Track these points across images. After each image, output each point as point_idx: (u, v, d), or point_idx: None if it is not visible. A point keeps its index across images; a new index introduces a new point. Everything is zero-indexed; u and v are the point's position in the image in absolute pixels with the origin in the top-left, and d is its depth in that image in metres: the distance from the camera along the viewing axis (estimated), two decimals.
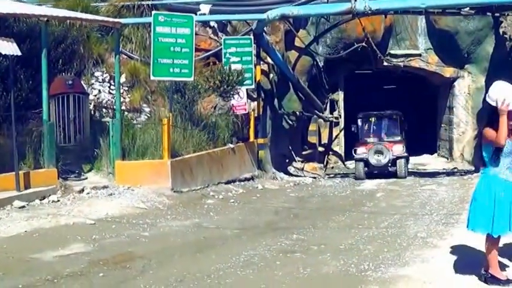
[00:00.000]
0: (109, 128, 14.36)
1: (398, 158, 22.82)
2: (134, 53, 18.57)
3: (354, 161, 24.27)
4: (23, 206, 11.67)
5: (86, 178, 14.07)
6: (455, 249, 8.96)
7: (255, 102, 19.94)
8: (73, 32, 16.57)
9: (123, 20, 16.27)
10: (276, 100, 22.41)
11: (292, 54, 23.77)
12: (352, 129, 25.75)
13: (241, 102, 18.50)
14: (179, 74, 15.00)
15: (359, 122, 25.26)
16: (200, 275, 7.74)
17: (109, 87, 17.11)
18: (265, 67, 20.92)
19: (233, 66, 17.73)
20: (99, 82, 17.44)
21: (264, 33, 20.04)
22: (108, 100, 16.82)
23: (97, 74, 17.55)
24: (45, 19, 13.35)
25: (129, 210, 12.18)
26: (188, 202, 13.64)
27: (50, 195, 12.55)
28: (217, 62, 18.88)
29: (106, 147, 14.43)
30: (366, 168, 22.90)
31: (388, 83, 33.31)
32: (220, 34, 20.04)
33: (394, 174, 22.40)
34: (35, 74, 13.80)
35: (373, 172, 22.98)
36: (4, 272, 7.95)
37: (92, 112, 16.34)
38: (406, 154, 23.27)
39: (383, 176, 22.29)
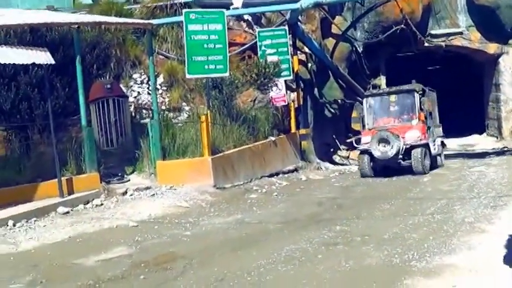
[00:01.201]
0: (148, 129, 14.41)
1: (413, 147, 17.29)
2: (170, 52, 18.61)
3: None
4: (67, 212, 11.82)
5: (129, 180, 14.15)
6: (504, 234, 8.65)
7: (295, 93, 19.82)
8: (107, 37, 16.65)
9: (154, 21, 16.31)
10: (316, 89, 22.23)
11: (330, 42, 23.51)
12: (359, 112, 19.81)
13: (280, 94, 18.42)
14: (214, 70, 15.03)
15: (365, 102, 19.12)
16: (240, 273, 7.66)
17: (148, 88, 17.17)
18: (302, 57, 20.76)
19: (269, 58, 17.69)
20: (138, 84, 17.54)
21: (298, 23, 19.89)
22: (148, 101, 16.89)
23: (135, 76, 17.66)
24: (77, 26, 13.45)
25: (171, 210, 12.23)
26: (231, 198, 13.63)
27: (93, 199, 12.68)
28: (253, 55, 18.79)
29: (147, 148, 14.51)
30: (372, 163, 17.58)
31: (431, 64, 32.79)
32: (255, 27, 19.93)
33: (409, 170, 17.19)
34: (71, 81, 13.92)
35: (382, 167, 17.75)
36: (47, 279, 8.00)
37: (133, 114, 16.45)
38: (424, 142, 17.65)
39: (395, 173, 17.30)
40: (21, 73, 13.82)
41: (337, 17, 23.88)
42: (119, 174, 14.18)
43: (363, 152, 17.76)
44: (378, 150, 17.22)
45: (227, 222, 11.19)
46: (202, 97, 17.24)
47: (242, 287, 7.13)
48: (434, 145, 18.74)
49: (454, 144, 26.77)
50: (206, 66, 14.90)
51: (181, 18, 15.14)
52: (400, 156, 17.33)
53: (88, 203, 12.50)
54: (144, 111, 16.91)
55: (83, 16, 14.30)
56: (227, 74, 15.56)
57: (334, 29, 23.56)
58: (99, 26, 15.91)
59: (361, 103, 19.54)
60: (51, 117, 12.32)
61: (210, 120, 14.59)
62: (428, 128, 18.53)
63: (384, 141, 17.26)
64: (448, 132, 22.91)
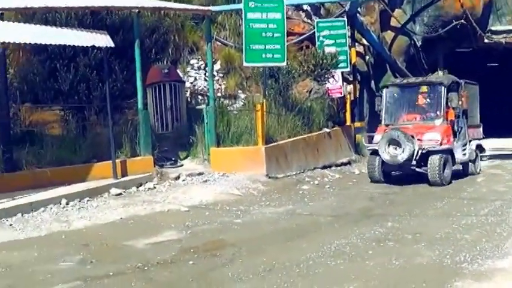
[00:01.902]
0: (203, 115, 14.47)
1: (431, 152, 14.57)
2: (228, 39, 18.61)
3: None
4: (120, 194, 11.98)
5: (182, 165, 14.24)
6: None
7: (351, 85, 19.65)
8: (166, 22, 16.76)
9: (213, 8, 16.30)
10: (373, 82, 22.00)
11: (388, 35, 23.27)
12: (377, 105, 17.08)
13: (336, 85, 18.27)
14: (272, 59, 14.95)
15: (384, 94, 16.45)
16: (289, 264, 7.64)
17: (205, 74, 17.23)
18: (360, 49, 20.60)
19: (327, 49, 17.57)
20: (195, 70, 17.61)
21: (358, 14, 19.70)
22: (204, 87, 16.96)
23: (192, 61, 17.73)
24: (137, 10, 13.57)
25: (223, 197, 12.27)
26: (283, 188, 13.60)
27: (146, 182, 12.82)
28: (311, 46, 18.69)
29: (201, 134, 14.59)
30: (383, 166, 15.06)
31: (490, 61, 32.15)
32: (313, 17, 19.82)
33: (426, 178, 14.60)
34: (129, 65, 14.04)
35: (391, 172, 15.52)
36: (97, 259, 8.14)
37: (188, 99, 16.53)
38: (447, 147, 14.86)
39: (410, 180, 14.98)
40: (81, 55, 14.02)
41: (396, 9, 23.61)
42: (173, 158, 14.29)
43: (373, 152, 15.22)
44: (387, 153, 14.57)
45: (278, 212, 11.19)
46: (258, 85, 17.22)
47: (290, 278, 7.09)
48: (464, 150, 16.00)
49: None
50: (263, 55, 14.86)
51: (241, 5, 15.09)
52: (414, 162, 14.66)
53: (141, 185, 12.65)
54: (199, 97, 16.98)
55: (144, 1, 14.38)
56: (284, 64, 15.49)
57: (393, 22, 23.29)
58: (158, 11, 16.02)
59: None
60: (109, 100, 12.48)
61: (265, 109, 14.57)
62: (460, 129, 15.86)
63: (394, 142, 14.55)
64: (507, 133, 22.39)
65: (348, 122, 18.93)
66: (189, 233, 9.53)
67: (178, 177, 13.31)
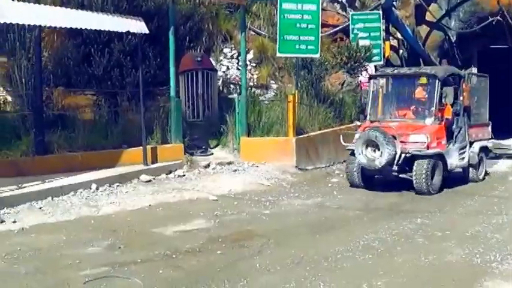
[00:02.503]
0: (235, 105, 14.46)
1: (416, 157, 12.46)
2: (262, 29, 18.59)
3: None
4: (150, 180, 12.02)
5: (212, 153, 14.27)
6: None
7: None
8: (201, 10, 16.76)
9: None
10: None
11: (423, 29, 23.09)
12: (364, 97, 14.91)
13: None
14: (305, 50, 14.92)
15: (371, 85, 14.27)
16: (317, 258, 7.61)
17: (237, 63, 17.24)
18: (394, 43, 20.45)
19: (361, 42, 17.48)
20: (228, 59, 17.61)
21: (393, 8, 19.53)
22: (236, 76, 16.96)
23: (225, 50, 17.73)
24: None
25: (252, 187, 12.29)
26: (312, 180, 13.58)
27: (176, 169, 12.86)
28: (344, 38, 18.59)
29: (232, 123, 14.58)
30: (363, 169, 12.98)
31: None
32: (348, 9, 19.71)
33: (410, 185, 12.54)
34: (162, 52, 14.07)
35: (374, 176, 13.31)
36: (126, 245, 8.17)
37: (220, 88, 16.52)
38: (436, 151, 12.71)
39: (393, 187, 12.91)
40: (115, 40, 14.08)
41: (432, 4, 23.38)
42: (203, 146, 14.31)
43: (352, 153, 13.07)
44: (364, 156, 12.56)
45: (307, 204, 11.16)
46: (290, 76, 17.20)
47: (318, 272, 7.06)
48: (462, 154, 13.75)
49: None
50: (297, 46, 14.83)
51: None
52: (396, 168, 12.61)
53: (171, 173, 12.70)
54: (231, 86, 16.99)
55: None
56: (318, 55, 15.45)
57: (428, 17, 23.08)
58: None
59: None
60: (141, 86, 12.53)
61: (297, 100, 14.54)
62: (458, 129, 13.69)
63: (372, 144, 12.51)
64: None
65: None
66: (218, 222, 9.54)
67: (208, 166, 13.34)
